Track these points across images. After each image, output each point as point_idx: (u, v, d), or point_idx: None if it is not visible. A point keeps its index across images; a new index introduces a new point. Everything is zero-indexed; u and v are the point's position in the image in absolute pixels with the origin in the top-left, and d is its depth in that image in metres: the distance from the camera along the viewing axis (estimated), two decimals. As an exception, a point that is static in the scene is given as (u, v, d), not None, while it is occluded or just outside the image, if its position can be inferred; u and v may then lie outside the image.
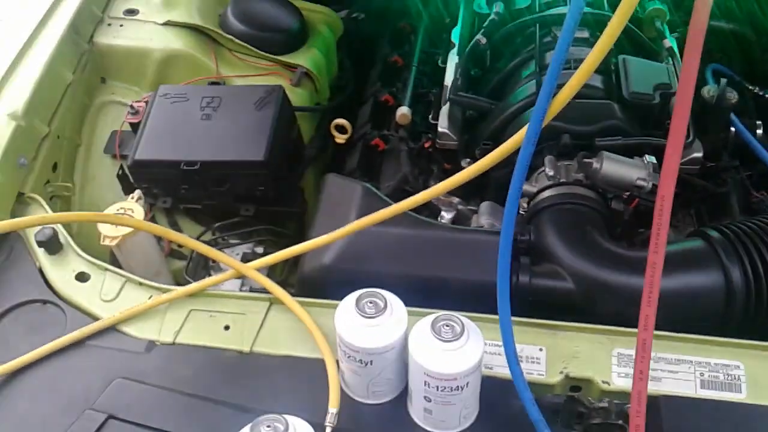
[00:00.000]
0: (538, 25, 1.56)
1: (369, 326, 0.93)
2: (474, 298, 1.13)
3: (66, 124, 1.52)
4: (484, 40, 1.56)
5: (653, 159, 1.31)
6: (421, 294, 1.06)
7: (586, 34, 1.56)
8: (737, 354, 1.04)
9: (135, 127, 1.52)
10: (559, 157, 1.34)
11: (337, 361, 1.00)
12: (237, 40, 1.65)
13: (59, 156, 1.49)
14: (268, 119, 1.42)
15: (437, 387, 0.91)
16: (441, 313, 0.94)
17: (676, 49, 1.58)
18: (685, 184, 1.40)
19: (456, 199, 1.54)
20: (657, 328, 0.89)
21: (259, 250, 1.41)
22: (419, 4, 1.88)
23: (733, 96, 1.38)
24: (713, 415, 0.98)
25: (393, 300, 0.97)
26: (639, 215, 1.33)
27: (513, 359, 0.94)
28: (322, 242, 1.15)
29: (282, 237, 1.44)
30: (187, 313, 1.12)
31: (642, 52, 1.57)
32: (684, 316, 1.13)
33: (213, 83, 1.56)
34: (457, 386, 0.91)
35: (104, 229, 1.25)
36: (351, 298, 0.97)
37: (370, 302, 0.96)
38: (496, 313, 0.98)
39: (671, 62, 1.55)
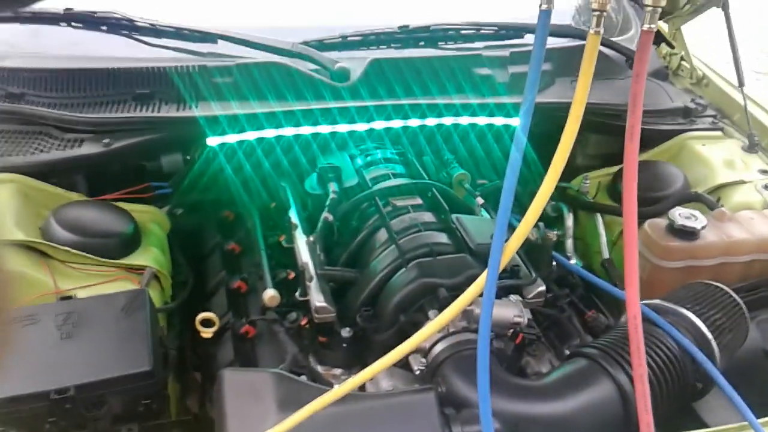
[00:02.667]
0: (377, 198, 1.70)
1: None
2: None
3: None
4: (330, 217, 1.66)
5: (517, 297, 1.49)
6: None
7: (419, 201, 1.75)
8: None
9: (-34, 364, 1.30)
10: (440, 310, 1.44)
11: None
12: (72, 250, 1.53)
13: None
14: (142, 325, 1.33)
15: None
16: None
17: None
18: (536, 316, 1.60)
19: (339, 371, 1.56)
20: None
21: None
22: (242, 194, 1.94)
23: (553, 235, 1.64)
24: None
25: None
26: (519, 348, 1.47)
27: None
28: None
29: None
30: None
31: (461, 209, 1.80)
32: (593, 430, 1.27)
33: (64, 298, 1.42)
34: None
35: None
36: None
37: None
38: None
39: (485, 214, 1.81)
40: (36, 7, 1.93)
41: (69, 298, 1.43)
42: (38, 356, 1.27)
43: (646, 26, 0.88)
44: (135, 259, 1.62)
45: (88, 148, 1.72)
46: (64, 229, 1.58)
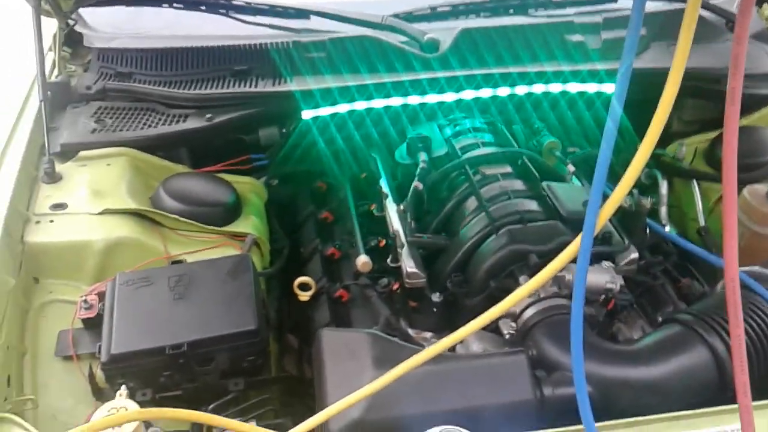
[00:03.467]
0: (466, 166, 1.73)
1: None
2: (508, 419, 1.18)
3: (11, 332, 1.39)
4: (420, 186, 1.70)
5: (609, 263, 1.48)
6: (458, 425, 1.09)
7: (509, 169, 1.76)
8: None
9: (89, 322, 1.43)
10: (530, 276, 1.46)
11: None
12: (181, 218, 1.64)
13: (11, 368, 1.36)
14: (247, 287, 1.42)
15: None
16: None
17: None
18: (628, 283, 1.59)
19: (429, 334, 1.60)
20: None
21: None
22: (334, 166, 2.01)
23: (647, 202, 1.62)
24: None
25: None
26: (611, 314, 1.48)
27: None
28: (356, 398, 1.15)
29: (286, 406, 1.39)
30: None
31: (552, 177, 1.79)
32: (686, 396, 1.26)
33: (175, 263, 1.53)
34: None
35: (104, 432, 1.14)
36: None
37: (450, 439, 0.98)
38: (531, 428, 1.08)
39: (577, 182, 1.80)
40: (140, -11, 2.05)
41: (179, 262, 1.53)
42: (154, 315, 1.38)
43: (747, -15, 0.86)
44: (237, 227, 1.71)
45: (192, 123, 1.82)
46: (172, 199, 1.69)
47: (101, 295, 1.45)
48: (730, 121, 0.94)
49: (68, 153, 1.76)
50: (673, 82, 0.93)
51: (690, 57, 0.91)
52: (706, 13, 2.18)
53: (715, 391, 1.26)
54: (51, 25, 2.09)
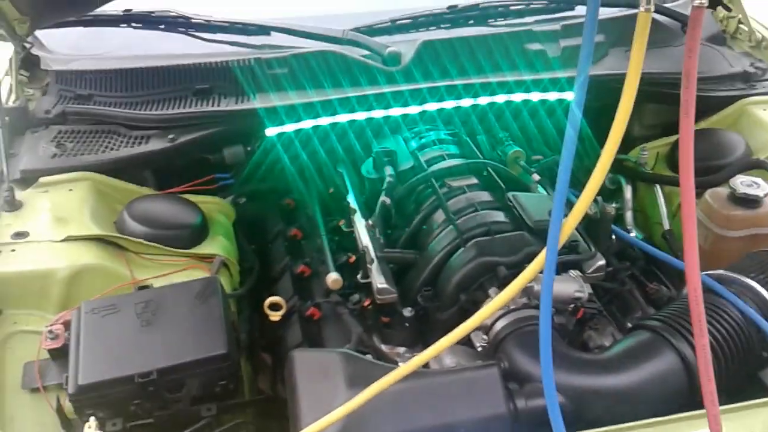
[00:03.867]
0: (433, 179, 1.73)
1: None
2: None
3: (-27, 366, 1.36)
4: (388, 200, 1.70)
5: (577, 272, 1.50)
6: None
7: (475, 180, 1.77)
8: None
9: (56, 352, 1.40)
10: (500, 288, 1.47)
11: None
12: (146, 242, 1.62)
13: (-24, 403, 1.32)
14: (216, 310, 1.40)
15: None
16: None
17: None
18: (596, 290, 1.60)
19: (402, 349, 1.60)
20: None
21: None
22: (300, 182, 2.00)
23: (612, 208, 1.64)
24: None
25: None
26: (581, 322, 1.49)
27: None
28: (331, 420, 1.14)
29: (261, 429, 1.38)
30: None
31: (517, 187, 1.81)
32: (658, 402, 1.28)
33: (141, 288, 1.50)
34: None
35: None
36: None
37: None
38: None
39: (542, 191, 1.81)
40: (97, 10, 2.01)
41: (146, 287, 1.51)
42: (121, 343, 1.35)
43: (697, 1, 0.88)
44: (204, 249, 1.70)
45: (155, 144, 1.80)
46: (137, 223, 1.66)
47: (67, 324, 1.42)
48: (684, 133, 0.96)
49: (28, 179, 1.73)
50: (630, 88, 0.94)
51: (646, 62, 0.93)
52: (661, 18, 2.22)
53: (685, 395, 1.28)
54: (6, 49, 2.05)
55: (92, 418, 1.26)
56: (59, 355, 1.40)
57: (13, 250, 1.56)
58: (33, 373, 1.40)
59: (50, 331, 1.41)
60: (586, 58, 0.95)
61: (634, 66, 0.92)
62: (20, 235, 1.59)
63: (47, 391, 1.38)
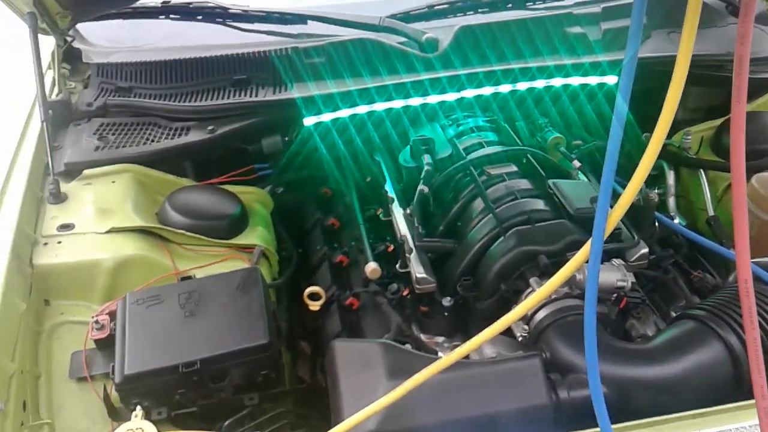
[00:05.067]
0: (471, 168, 1.72)
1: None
2: (525, 424, 1.18)
3: (25, 356, 1.40)
4: (426, 189, 1.69)
5: (619, 260, 1.48)
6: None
7: (514, 168, 1.75)
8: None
9: (102, 342, 1.43)
10: (541, 277, 1.46)
11: None
12: (187, 233, 1.64)
13: (26, 392, 1.36)
14: (258, 300, 1.41)
15: None
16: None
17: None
18: (639, 278, 1.57)
19: (441, 339, 1.60)
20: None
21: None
22: (337, 172, 2.00)
23: (655, 195, 1.61)
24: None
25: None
26: (624, 311, 1.47)
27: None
28: (373, 410, 1.15)
29: (303, 419, 1.39)
30: None
31: (557, 174, 1.78)
32: (703, 393, 1.25)
33: (184, 278, 1.53)
34: None
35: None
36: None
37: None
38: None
39: (583, 178, 1.78)
40: (136, 2, 2.03)
41: (188, 278, 1.53)
42: (165, 333, 1.37)
43: (749, -16, 0.85)
44: (244, 239, 1.71)
45: (195, 136, 1.81)
46: (178, 214, 1.68)
47: (112, 315, 1.45)
48: (736, 119, 0.93)
49: (72, 172, 1.76)
50: (679, 77, 0.91)
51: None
52: (707, -2, 2.16)
53: (731, 386, 1.26)
54: (49, 43, 2.09)
55: (138, 407, 1.29)
56: (105, 345, 1.43)
57: (60, 242, 1.59)
58: (80, 362, 1.44)
59: (96, 322, 1.44)
60: (634, 39, 0.93)
61: (684, 54, 0.89)
62: (66, 227, 1.62)
63: (94, 381, 1.42)
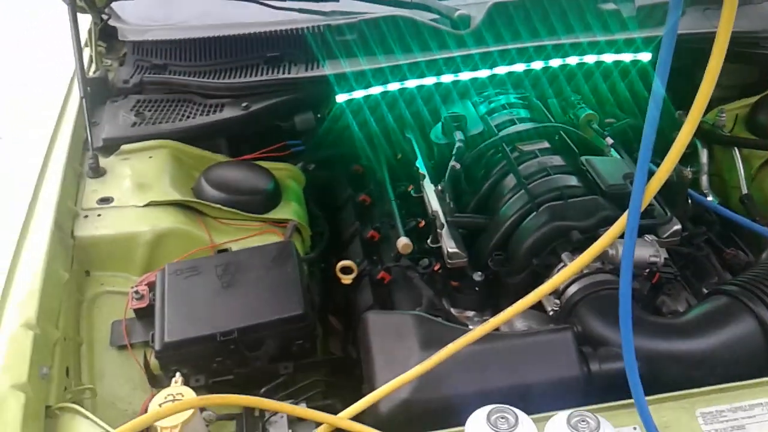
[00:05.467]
0: (503, 144, 1.72)
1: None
2: (557, 395, 1.20)
3: (68, 324, 1.44)
4: (458, 165, 1.70)
5: (652, 236, 1.48)
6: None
7: (546, 144, 1.75)
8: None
9: (141, 312, 1.47)
10: (573, 252, 1.46)
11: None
12: (223, 207, 1.67)
13: (69, 359, 1.41)
14: (293, 273, 1.44)
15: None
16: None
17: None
18: (672, 255, 1.58)
19: (472, 313, 1.61)
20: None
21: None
22: (368, 149, 2.01)
23: (688, 172, 1.61)
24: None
25: (522, 416, 1.01)
26: (655, 287, 1.47)
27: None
28: (406, 379, 1.17)
29: (335, 388, 1.42)
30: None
31: (589, 151, 1.78)
32: (734, 367, 1.26)
33: (220, 251, 1.56)
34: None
35: (162, 421, 1.18)
36: (481, 414, 1.00)
37: (502, 418, 1.00)
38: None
39: (616, 155, 1.78)
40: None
41: (224, 251, 1.57)
42: (204, 303, 1.41)
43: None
44: (278, 214, 1.74)
45: (229, 112, 1.84)
46: (213, 189, 1.71)
47: (151, 286, 1.49)
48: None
49: (111, 147, 1.80)
50: (717, 58, 0.91)
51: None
52: (742, -26, 2.13)
53: (764, 359, 1.26)
54: (85, 21, 2.12)
55: (178, 374, 1.33)
56: (145, 314, 1.47)
57: (99, 215, 1.64)
58: (120, 331, 1.48)
59: (136, 292, 1.48)
60: (672, 18, 0.93)
61: (722, 35, 0.89)
62: (105, 200, 1.67)
63: (134, 348, 1.46)
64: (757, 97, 1.97)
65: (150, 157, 1.77)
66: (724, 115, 1.94)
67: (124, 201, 1.66)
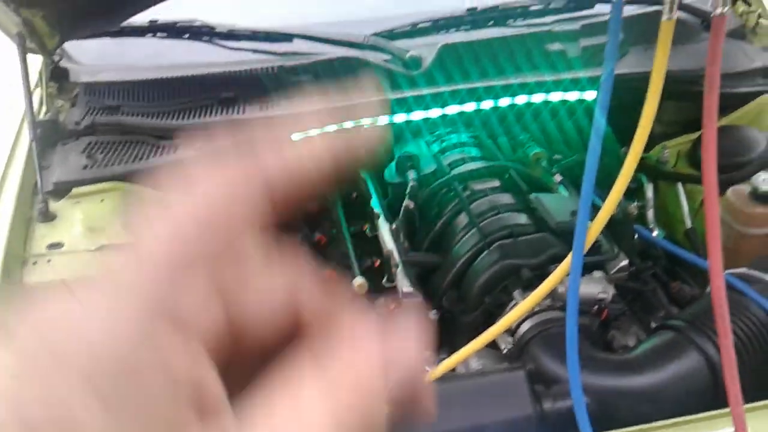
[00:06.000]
0: (455, 183, 1.76)
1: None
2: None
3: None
4: (412, 204, 1.73)
5: (600, 272, 1.52)
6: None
7: (497, 183, 1.79)
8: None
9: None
10: (524, 289, 1.49)
11: None
12: (177, 251, 1.66)
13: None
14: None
15: None
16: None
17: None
18: (619, 290, 1.62)
19: (428, 352, 1.62)
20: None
21: None
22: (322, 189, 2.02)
23: (634, 208, 1.66)
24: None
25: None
26: (605, 323, 1.51)
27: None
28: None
29: None
30: None
31: (539, 188, 1.83)
32: (682, 401, 1.29)
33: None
34: None
35: None
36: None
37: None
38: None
39: (564, 191, 1.83)
40: (123, 23, 2.06)
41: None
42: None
43: (718, 10, 0.89)
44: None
45: (183, 153, 1.84)
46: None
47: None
48: (707, 140, 0.97)
49: (61, 191, 1.77)
50: (653, 96, 0.96)
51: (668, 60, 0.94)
52: (681, 14, 2.22)
53: (710, 394, 1.29)
54: (36, 61, 2.10)
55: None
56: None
57: (49, 261, 1.61)
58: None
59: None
60: (610, 56, 0.97)
61: (657, 74, 0.93)
62: (55, 245, 1.64)
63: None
64: (698, 133, 2.04)
65: (102, 200, 1.75)
66: (667, 151, 2.01)
67: (75, 246, 1.63)
